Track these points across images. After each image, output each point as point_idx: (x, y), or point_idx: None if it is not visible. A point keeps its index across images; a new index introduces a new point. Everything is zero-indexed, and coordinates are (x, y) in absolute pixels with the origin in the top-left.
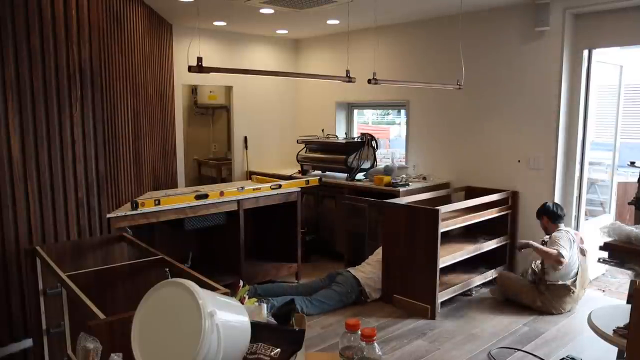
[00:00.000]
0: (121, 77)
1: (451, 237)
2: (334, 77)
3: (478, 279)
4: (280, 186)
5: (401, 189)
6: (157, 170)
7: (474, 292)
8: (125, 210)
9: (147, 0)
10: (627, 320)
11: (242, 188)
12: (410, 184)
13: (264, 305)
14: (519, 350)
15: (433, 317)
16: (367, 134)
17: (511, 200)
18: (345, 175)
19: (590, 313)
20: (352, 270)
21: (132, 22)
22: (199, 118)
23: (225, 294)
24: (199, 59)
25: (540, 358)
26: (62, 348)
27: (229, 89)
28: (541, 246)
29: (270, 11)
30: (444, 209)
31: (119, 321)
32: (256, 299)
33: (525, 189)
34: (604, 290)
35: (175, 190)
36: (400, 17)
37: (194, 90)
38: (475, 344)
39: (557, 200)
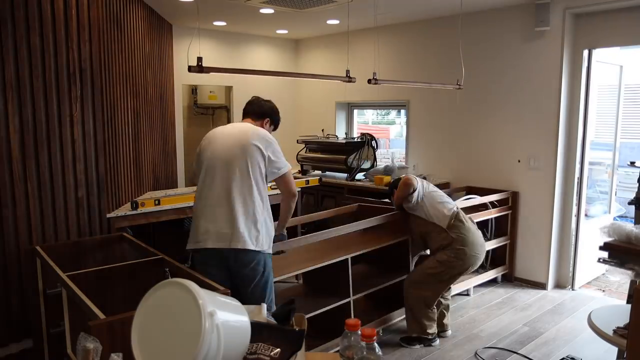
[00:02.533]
0: (121, 77)
1: None
2: (334, 77)
3: (477, 279)
4: None
5: None
6: (157, 170)
7: (472, 292)
8: (125, 210)
9: (147, 0)
10: (627, 320)
11: None
12: None
13: (264, 305)
14: (504, 350)
15: None
16: (367, 134)
17: (511, 201)
18: (345, 175)
19: (590, 313)
20: None
21: (132, 22)
22: (199, 118)
23: (225, 294)
24: (199, 59)
25: (526, 356)
26: (62, 348)
27: (229, 89)
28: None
29: (270, 11)
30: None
31: (119, 321)
32: None
33: (525, 189)
34: (604, 290)
35: (175, 190)
36: (400, 17)
37: (194, 90)
38: (475, 344)
39: (557, 199)
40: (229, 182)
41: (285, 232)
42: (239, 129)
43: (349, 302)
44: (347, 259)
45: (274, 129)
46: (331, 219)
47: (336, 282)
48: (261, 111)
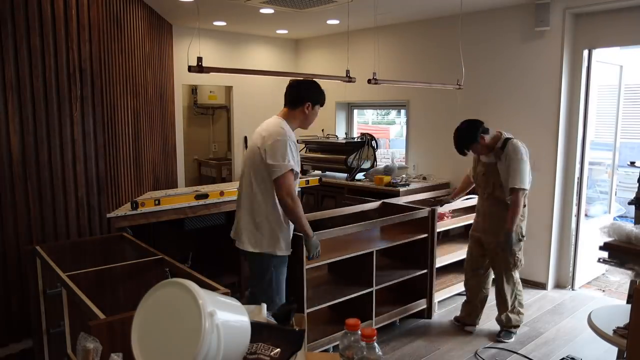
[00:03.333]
0: (121, 77)
1: (451, 237)
2: (334, 77)
3: None
4: None
5: (401, 189)
6: (157, 170)
7: None
8: (125, 210)
9: (147, 0)
10: (627, 320)
11: None
12: (410, 183)
13: (264, 305)
14: (504, 350)
15: (429, 317)
16: (367, 134)
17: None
18: (345, 175)
19: (590, 313)
20: None
21: (132, 22)
22: (199, 118)
23: (225, 294)
24: (199, 59)
25: (524, 355)
26: (62, 348)
27: (229, 89)
28: (511, 215)
29: (270, 11)
30: (441, 208)
31: (119, 321)
32: None
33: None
34: (604, 290)
35: (175, 190)
36: (400, 17)
37: (194, 90)
38: (475, 344)
39: (557, 199)
40: (242, 185)
41: (310, 236)
42: (258, 131)
43: (372, 291)
44: (372, 252)
45: (321, 106)
46: (352, 215)
47: (359, 273)
48: (297, 97)
